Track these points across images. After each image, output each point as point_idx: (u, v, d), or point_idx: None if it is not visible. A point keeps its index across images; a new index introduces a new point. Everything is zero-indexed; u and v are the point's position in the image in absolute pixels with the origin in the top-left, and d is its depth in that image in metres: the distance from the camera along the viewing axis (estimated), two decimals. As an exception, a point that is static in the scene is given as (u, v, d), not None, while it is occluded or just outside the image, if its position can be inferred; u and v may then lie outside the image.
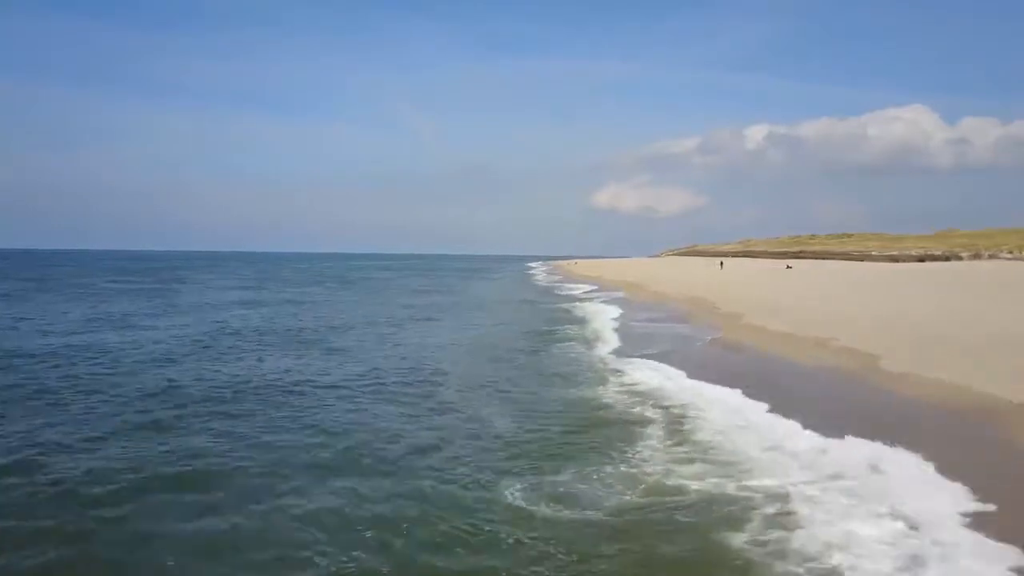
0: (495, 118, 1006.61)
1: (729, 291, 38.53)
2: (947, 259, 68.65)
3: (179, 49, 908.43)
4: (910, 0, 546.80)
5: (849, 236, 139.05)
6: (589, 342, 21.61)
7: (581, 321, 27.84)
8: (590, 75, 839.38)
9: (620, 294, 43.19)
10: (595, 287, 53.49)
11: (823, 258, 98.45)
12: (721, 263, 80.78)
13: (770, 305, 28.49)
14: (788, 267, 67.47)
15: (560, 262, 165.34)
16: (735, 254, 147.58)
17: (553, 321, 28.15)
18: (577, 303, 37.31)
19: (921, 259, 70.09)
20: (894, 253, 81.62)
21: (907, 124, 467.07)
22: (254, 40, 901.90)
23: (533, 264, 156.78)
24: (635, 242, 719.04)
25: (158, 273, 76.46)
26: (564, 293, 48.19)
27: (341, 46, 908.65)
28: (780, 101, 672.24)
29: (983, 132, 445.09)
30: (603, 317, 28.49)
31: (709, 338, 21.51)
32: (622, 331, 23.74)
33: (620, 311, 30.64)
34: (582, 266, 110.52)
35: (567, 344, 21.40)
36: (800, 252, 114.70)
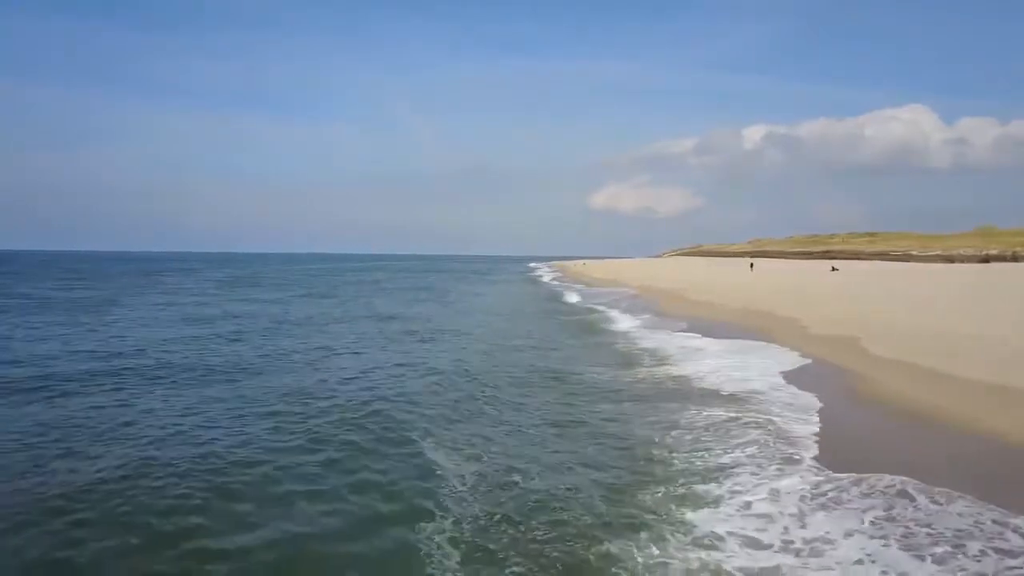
0: (494, 119, 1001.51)
1: (798, 301, 30.16)
2: (1014, 259, 60.30)
3: (179, 50, 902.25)
4: (909, 0, 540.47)
5: (874, 235, 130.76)
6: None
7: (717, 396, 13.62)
8: (589, 76, 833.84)
9: (659, 308, 34.82)
10: (621, 295, 45.06)
11: (853, 258, 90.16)
12: (751, 264, 72.42)
13: (890, 325, 20.18)
14: (834, 269, 59.13)
15: (563, 263, 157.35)
16: (746, 254, 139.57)
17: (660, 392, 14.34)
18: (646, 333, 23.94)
19: (985, 259, 61.68)
20: (939, 252, 73.26)
21: (905, 124, 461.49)
22: (254, 41, 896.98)
23: (534, 265, 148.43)
24: (634, 243, 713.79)
25: (117, 278, 67.89)
26: (595, 309, 39.89)
27: (341, 47, 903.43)
28: (779, 101, 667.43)
29: (981, 132, 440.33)
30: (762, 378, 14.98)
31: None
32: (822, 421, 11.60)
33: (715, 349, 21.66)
34: (592, 268, 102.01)
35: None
36: (828, 252, 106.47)
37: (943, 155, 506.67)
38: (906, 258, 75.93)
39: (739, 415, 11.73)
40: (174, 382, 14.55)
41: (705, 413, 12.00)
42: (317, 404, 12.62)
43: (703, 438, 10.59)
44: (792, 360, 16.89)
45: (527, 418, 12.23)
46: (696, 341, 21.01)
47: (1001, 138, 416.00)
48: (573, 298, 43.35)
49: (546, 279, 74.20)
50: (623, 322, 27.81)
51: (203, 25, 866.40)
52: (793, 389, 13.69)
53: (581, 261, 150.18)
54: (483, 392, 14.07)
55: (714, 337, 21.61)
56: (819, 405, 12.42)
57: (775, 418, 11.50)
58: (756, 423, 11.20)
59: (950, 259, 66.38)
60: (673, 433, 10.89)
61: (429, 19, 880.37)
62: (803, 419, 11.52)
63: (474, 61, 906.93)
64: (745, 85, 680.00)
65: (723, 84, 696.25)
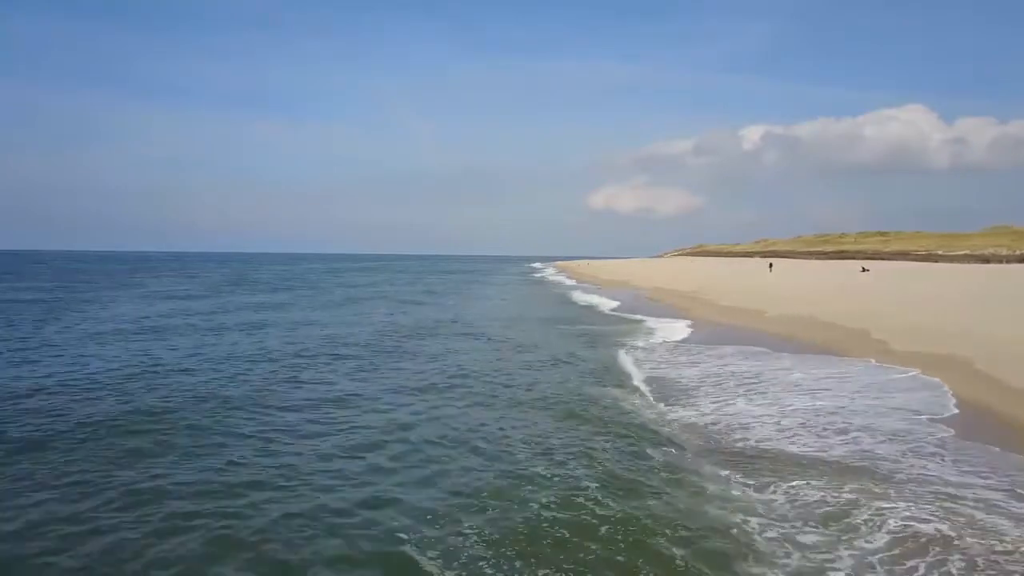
0: (493, 120, 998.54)
1: (854, 309, 25.91)
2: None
3: (179, 50, 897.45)
4: (907, 1, 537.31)
5: (886, 234, 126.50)
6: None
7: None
8: (588, 76, 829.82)
9: (685, 320, 30.65)
10: (628, 299, 40.85)
11: (873, 258, 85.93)
12: (770, 265, 68.17)
13: (1009, 342, 15.92)
14: (864, 270, 54.85)
15: (564, 263, 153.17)
16: (753, 254, 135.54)
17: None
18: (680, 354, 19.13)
19: (1022, 259, 57.44)
20: (967, 252, 68.98)
21: (904, 124, 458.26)
22: (255, 41, 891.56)
23: (537, 265, 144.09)
24: (633, 243, 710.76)
25: (96, 278, 63.55)
26: (608, 313, 35.68)
27: (342, 48, 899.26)
28: (777, 101, 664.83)
29: (980, 132, 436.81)
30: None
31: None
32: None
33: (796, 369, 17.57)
34: (596, 268, 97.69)
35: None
36: (842, 252, 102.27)
37: (942, 155, 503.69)
38: (931, 258, 71.69)
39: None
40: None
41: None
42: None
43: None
44: (936, 400, 12.36)
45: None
46: (777, 360, 16.70)
47: (1000, 137, 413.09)
48: (605, 306, 36.58)
49: (554, 280, 69.92)
50: (663, 333, 23.51)
51: (203, 25, 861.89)
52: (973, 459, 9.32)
53: (584, 261, 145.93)
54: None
55: (789, 353, 17.39)
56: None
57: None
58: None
59: (984, 259, 62.09)
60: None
61: (429, 19, 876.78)
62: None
63: (474, 61, 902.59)
64: (743, 85, 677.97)
65: (721, 84, 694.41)
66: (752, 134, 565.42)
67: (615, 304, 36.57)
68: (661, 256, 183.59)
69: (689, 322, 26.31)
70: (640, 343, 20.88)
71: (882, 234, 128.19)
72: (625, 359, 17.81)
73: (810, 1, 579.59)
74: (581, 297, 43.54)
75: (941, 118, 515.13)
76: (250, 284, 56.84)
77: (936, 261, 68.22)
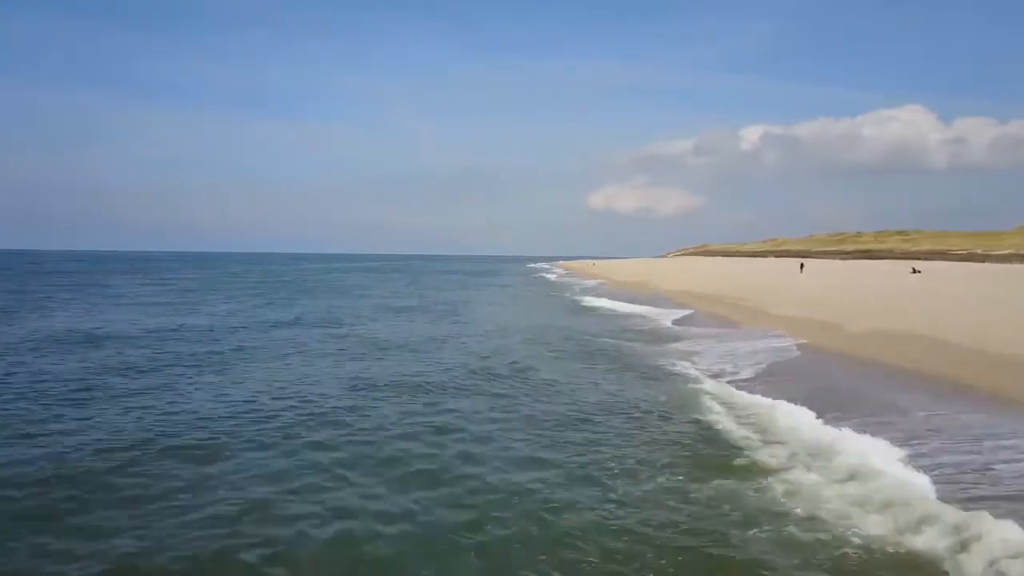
0: (493, 120, 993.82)
1: (944, 322, 20.11)
2: None
3: (179, 50, 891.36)
4: (907, 1, 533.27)
5: (906, 233, 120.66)
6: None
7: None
8: (588, 76, 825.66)
9: (781, 340, 24.84)
10: (671, 309, 34.98)
11: (906, 258, 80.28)
12: (801, 265, 62.39)
13: None
14: (916, 271, 49.00)
15: (567, 263, 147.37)
16: (766, 254, 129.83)
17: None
18: None
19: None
20: (1012, 252, 63.28)
21: (903, 124, 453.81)
22: (255, 41, 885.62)
23: (542, 265, 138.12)
24: (633, 243, 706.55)
25: (62, 280, 57.59)
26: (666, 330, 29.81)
27: (341, 49, 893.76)
28: (776, 102, 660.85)
29: (979, 132, 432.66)
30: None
31: None
32: None
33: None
34: (604, 269, 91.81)
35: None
36: (868, 252, 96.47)
37: (941, 155, 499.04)
38: (973, 258, 65.94)
39: None
40: None
41: None
42: None
43: None
44: None
45: None
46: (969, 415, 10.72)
47: (999, 137, 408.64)
48: (658, 319, 28.44)
49: (567, 283, 64.05)
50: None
51: (203, 25, 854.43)
52: None
53: (590, 261, 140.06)
54: None
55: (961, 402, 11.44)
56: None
57: None
58: None
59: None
60: None
61: (429, 19, 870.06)
62: None
63: (474, 61, 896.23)
64: (743, 85, 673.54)
65: (721, 84, 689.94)
66: (752, 134, 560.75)
67: (671, 317, 28.56)
68: (664, 256, 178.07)
69: (793, 342, 20.21)
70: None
71: (901, 233, 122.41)
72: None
73: (810, 1, 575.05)
74: (615, 308, 34.56)
75: (940, 118, 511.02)
76: (227, 289, 50.87)
77: (981, 261, 62.47)
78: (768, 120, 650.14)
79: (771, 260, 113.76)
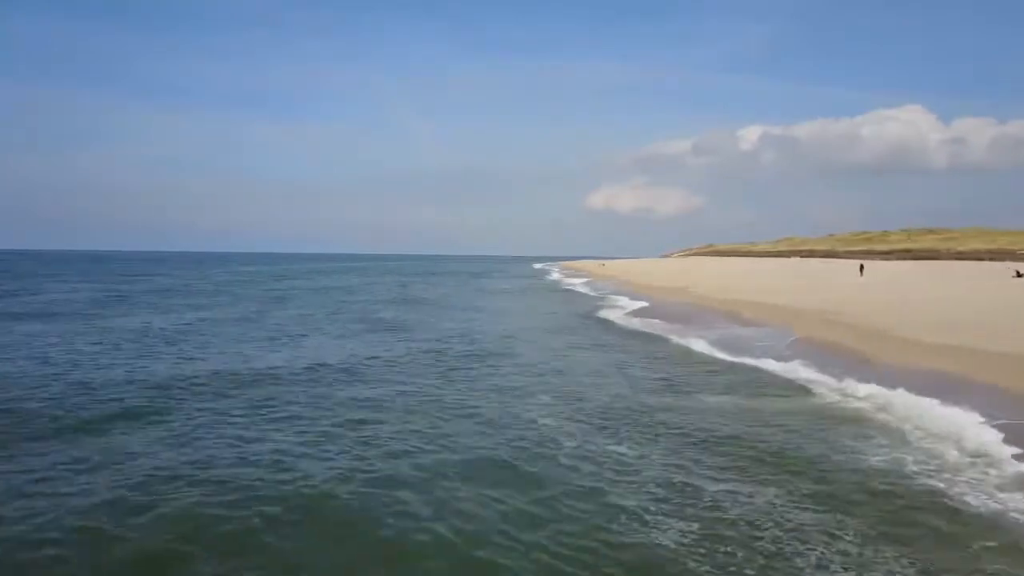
0: (493, 120, 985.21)
1: None
2: None
3: (179, 50, 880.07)
4: (906, 1, 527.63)
5: (937, 231, 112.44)
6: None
7: None
8: (587, 76, 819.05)
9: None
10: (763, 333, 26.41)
11: (960, 259, 72.06)
12: (861, 267, 54.01)
13: None
14: (1020, 275, 40.52)
15: (570, 263, 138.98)
16: (789, 254, 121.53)
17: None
18: None
19: None
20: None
21: (902, 124, 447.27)
22: (255, 41, 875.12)
23: (546, 266, 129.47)
24: (633, 243, 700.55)
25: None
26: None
27: (341, 49, 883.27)
28: (775, 102, 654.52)
29: (979, 132, 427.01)
30: None
31: None
32: None
33: None
34: (616, 270, 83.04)
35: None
36: (909, 251, 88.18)
37: (941, 155, 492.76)
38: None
39: None
40: None
41: None
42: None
43: None
44: None
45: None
46: None
47: (999, 138, 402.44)
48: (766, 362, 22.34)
49: (582, 290, 55.47)
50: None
51: (203, 25, 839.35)
52: None
53: (599, 262, 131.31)
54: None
55: None
56: None
57: None
58: None
59: None
60: None
61: (429, 19, 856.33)
62: None
63: (474, 61, 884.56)
64: (742, 85, 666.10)
65: (720, 85, 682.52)
66: (751, 134, 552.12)
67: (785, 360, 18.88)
68: (668, 256, 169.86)
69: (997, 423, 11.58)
70: None
71: (933, 231, 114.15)
72: None
73: (810, 1, 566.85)
74: (662, 331, 26.06)
75: (940, 118, 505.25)
76: (191, 293, 42.22)
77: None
78: (767, 120, 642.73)
79: (795, 260, 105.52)
